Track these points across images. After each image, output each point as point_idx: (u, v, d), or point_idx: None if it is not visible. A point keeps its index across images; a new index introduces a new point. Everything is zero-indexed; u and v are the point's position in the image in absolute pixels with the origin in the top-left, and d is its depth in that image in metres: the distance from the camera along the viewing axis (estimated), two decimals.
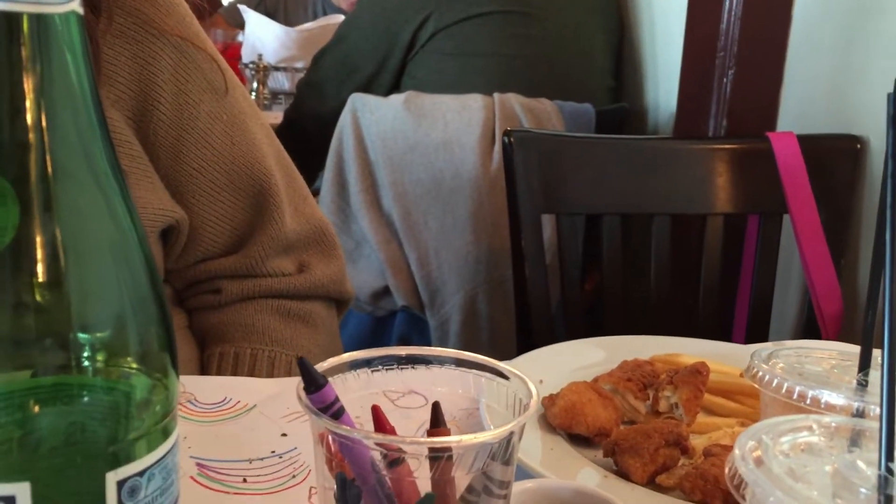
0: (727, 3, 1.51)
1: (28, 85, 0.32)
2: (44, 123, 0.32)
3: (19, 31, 0.31)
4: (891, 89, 0.40)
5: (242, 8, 2.88)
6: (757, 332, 1.35)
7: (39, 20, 0.32)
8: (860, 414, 0.47)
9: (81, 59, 0.33)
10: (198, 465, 0.63)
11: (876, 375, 0.44)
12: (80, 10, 0.33)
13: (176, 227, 0.87)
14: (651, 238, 1.33)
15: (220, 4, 3.73)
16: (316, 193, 1.81)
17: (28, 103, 0.32)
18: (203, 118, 0.86)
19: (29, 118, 0.32)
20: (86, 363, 0.35)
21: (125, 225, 0.36)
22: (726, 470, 0.39)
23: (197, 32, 0.87)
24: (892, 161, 0.38)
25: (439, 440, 0.40)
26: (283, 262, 0.94)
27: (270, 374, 0.92)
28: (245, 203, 0.91)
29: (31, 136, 0.32)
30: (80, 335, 0.35)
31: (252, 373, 0.92)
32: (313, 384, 0.41)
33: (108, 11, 0.79)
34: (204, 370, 0.94)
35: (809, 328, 1.32)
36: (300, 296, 0.96)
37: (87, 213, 0.35)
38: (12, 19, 0.31)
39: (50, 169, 0.33)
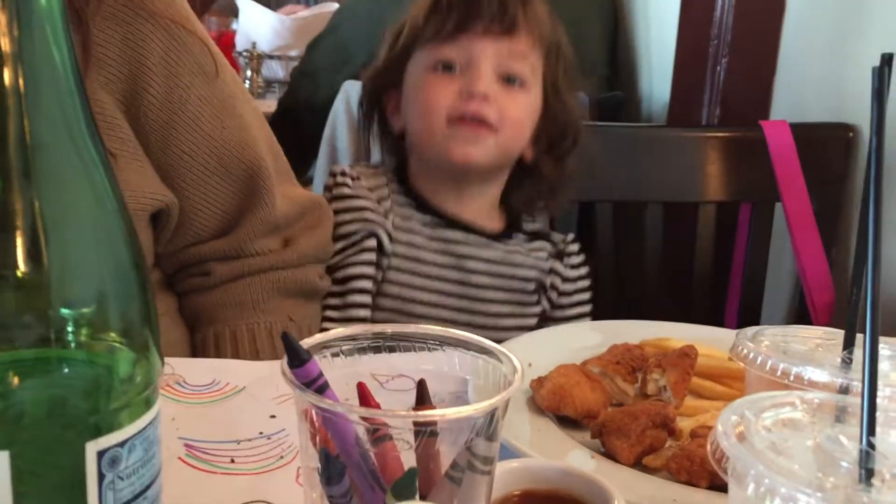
0: None
1: (6, 53, 0.32)
2: (22, 90, 0.32)
3: None
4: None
5: None
6: (748, 319, 1.35)
7: None
8: (845, 390, 0.47)
9: (61, 28, 0.33)
10: (186, 445, 0.63)
11: (860, 353, 0.44)
12: None
13: (166, 211, 0.87)
14: (644, 226, 1.33)
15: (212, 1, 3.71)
16: (309, 181, 1.81)
17: (6, 72, 0.32)
18: (193, 101, 0.86)
19: (7, 84, 0.32)
20: (67, 337, 0.35)
21: (106, 199, 0.36)
22: (708, 445, 0.39)
23: (187, 16, 0.87)
24: (875, 136, 0.38)
25: (423, 414, 0.41)
26: (269, 241, 0.94)
27: (273, 346, 0.92)
28: (235, 187, 0.90)
29: (10, 103, 0.32)
30: (62, 309, 0.35)
31: (253, 348, 0.92)
32: (297, 359, 0.41)
33: None
34: (199, 353, 0.93)
35: (801, 316, 1.33)
36: (287, 267, 0.96)
37: (68, 185, 0.35)
38: None
39: (28, 137, 0.33)
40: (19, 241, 0.34)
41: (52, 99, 0.33)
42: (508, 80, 1.01)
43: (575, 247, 1.16)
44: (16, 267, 0.34)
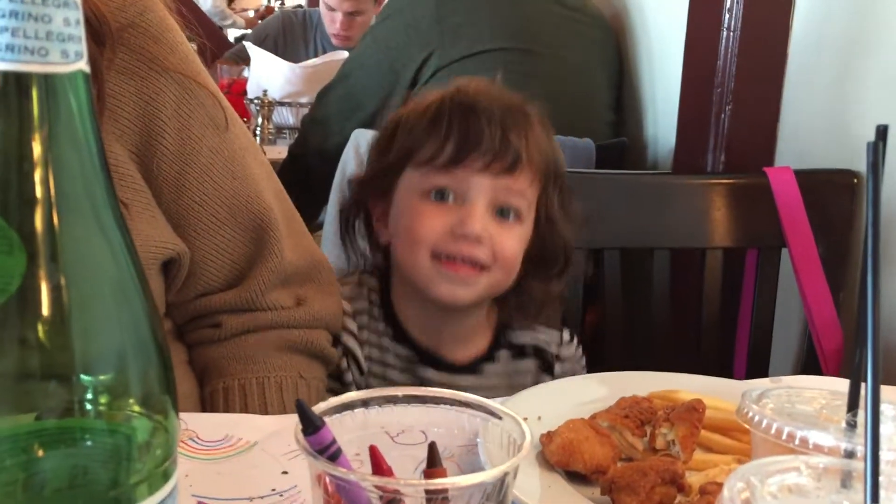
0: (723, 40, 1.53)
1: (36, 141, 0.33)
2: (50, 179, 0.34)
3: (28, 91, 0.33)
4: (886, 123, 0.41)
5: (248, 44, 2.93)
6: (757, 365, 1.35)
7: (47, 80, 0.33)
8: (850, 455, 0.48)
9: (87, 114, 0.35)
10: (199, 502, 0.64)
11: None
12: (87, 69, 0.35)
13: (177, 260, 0.88)
14: (651, 272, 1.34)
15: (228, 46, 3.78)
16: (319, 227, 1.83)
17: (35, 159, 0.34)
18: (205, 153, 0.88)
19: (36, 174, 0.34)
20: (88, 406, 0.36)
21: (126, 271, 0.38)
22: None
23: (199, 71, 0.89)
24: (871, 209, 0.39)
25: (435, 482, 0.41)
26: (282, 296, 0.95)
27: (281, 400, 0.92)
28: (245, 237, 0.92)
29: (39, 190, 0.34)
30: (84, 379, 0.36)
31: (263, 402, 0.92)
32: (310, 426, 0.42)
33: (112, 43, 0.81)
34: (208, 407, 0.94)
35: (809, 362, 1.33)
36: (300, 327, 0.96)
37: (91, 261, 0.37)
38: (21, 79, 0.33)
39: (56, 220, 0.34)
40: (43, 318, 0.35)
41: (80, 185, 0.35)
42: (503, 212, 0.96)
43: (570, 349, 1.10)
44: (40, 340, 0.35)
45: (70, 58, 0.34)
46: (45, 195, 0.34)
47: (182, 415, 0.76)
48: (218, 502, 0.64)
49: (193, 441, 0.74)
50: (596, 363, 1.15)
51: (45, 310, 0.35)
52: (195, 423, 0.77)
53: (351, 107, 1.87)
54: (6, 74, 0.32)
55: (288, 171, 1.87)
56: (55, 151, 0.34)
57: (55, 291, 0.35)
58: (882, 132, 0.42)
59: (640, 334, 1.36)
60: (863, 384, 0.45)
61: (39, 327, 0.35)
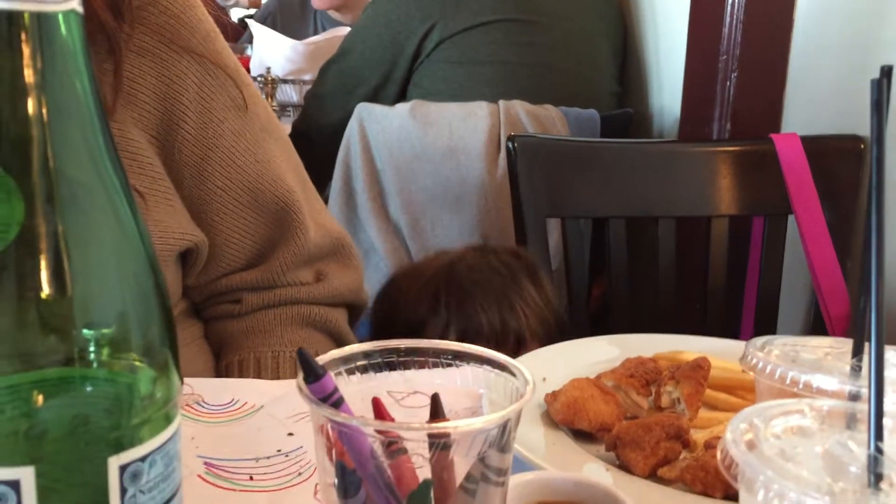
0: (729, 7, 1.52)
1: (30, 82, 0.33)
2: (45, 119, 0.33)
3: (21, 30, 0.32)
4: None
5: (251, 22, 2.91)
6: (764, 333, 1.34)
7: (40, 18, 0.33)
8: (854, 397, 0.48)
9: (82, 56, 0.34)
10: (205, 464, 0.64)
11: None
12: (80, 10, 0.34)
13: (194, 251, 0.87)
14: (657, 241, 1.33)
15: (231, 27, 3.76)
16: (324, 202, 1.83)
17: (30, 100, 0.33)
18: (228, 136, 0.86)
19: (32, 116, 0.33)
20: (89, 356, 0.36)
21: (127, 220, 0.37)
22: (718, 453, 0.39)
23: (221, 49, 0.87)
24: (875, 146, 0.39)
25: (437, 426, 0.41)
26: (302, 273, 0.94)
27: (294, 374, 0.92)
28: (267, 219, 0.90)
29: (34, 131, 0.33)
30: (84, 330, 0.36)
31: (276, 375, 0.92)
32: (312, 374, 0.42)
33: (130, 17, 0.78)
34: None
35: (816, 329, 1.32)
36: (318, 303, 0.96)
37: (90, 209, 0.36)
38: (14, 18, 0.32)
39: (52, 164, 0.34)
40: (43, 265, 0.35)
41: (75, 127, 0.34)
42: None
43: None
44: (39, 289, 0.35)
45: None
46: (40, 139, 0.34)
47: (188, 380, 0.77)
48: (224, 463, 0.65)
49: (199, 405, 0.74)
50: (601, 333, 1.15)
51: (45, 258, 0.35)
52: (201, 388, 0.77)
53: (354, 82, 1.86)
54: None
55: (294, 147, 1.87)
56: (50, 92, 0.33)
57: (54, 240, 0.35)
58: (887, 71, 0.41)
59: (646, 304, 1.36)
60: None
61: (38, 276, 0.35)
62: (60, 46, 0.34)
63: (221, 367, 0.95)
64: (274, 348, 0.92)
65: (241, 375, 0.92)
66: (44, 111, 0.33)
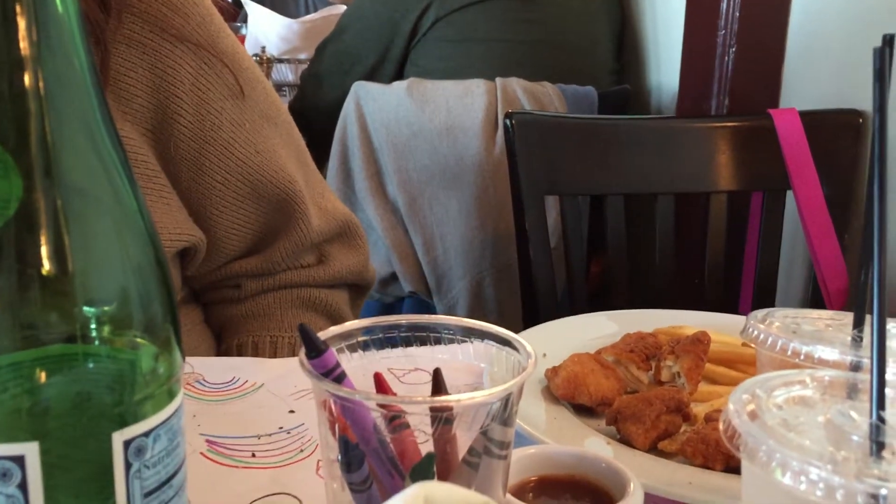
0: None
1: (26, 56, 0.33)
2: (42, 93, 0.33)
3: (15, 2, 0.32)
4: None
5: (245, 1, 2.89)
6: (763, 308, 1.35)
7: None
8: (855, 368, 0.48)
9: (77, 30, 0.34)
10: (207, 441, 0.64)
11: (870, 332, 0.45)
12: None
13: (192, 249, 0.85)
14: (655, 218, 1.33)
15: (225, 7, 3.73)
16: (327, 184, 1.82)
17: (27, 75, 0.33)
18: (226, 127, 0.82)
19: (27, 88, 0.33)
20: (91, 333, 0.36)
21: (126, 194, 0.37)
22: (720, 424, 0.39)
23: (217, 32, 0.82)
24: (878, 115, 0.39)
25: (439, 399, 0.41)
26: (304, 256, 0.93)
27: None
28: (268, 209, 0.88)
29: (30, 105, 0.33)
30: (85, 306, 0.36)
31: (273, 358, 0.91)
32: (314, 349, 0.42)
33: (118, 11, 0.74)
34: None
35: (815, 304, 1.33)
36: (320, 285, 0.95)
37: (89, 185, 0.36)
38: None
39: (50, 139, 0.34)
40: (43, 241, 0.35)
41: (72, 100, 0.34)
42: None
43: None
44: (40, 266, 0.35)
45: None
46: (37, 114, 0.34)
47: (189, 359, 0.76)
48: (226, 440, 0.65)
49: (200, 383, 0.74)
50: (601, 310, 1.15)
51: (44, 234, 0.35)
52: (202, 367, 0.77)
53: (350, 60, 1.85)
54: None
55: None
56: (46, 66, 0.33)
57: (53, 216, 0.35)
58: (889, 40, 0.41)
59: (645, 280, 1.36)
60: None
61: (38, 253, 0.35)
62: (56, 19, 0.33)
63: (221, 351, 0.94)
64: (272, 333, 0.92)
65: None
66: (40, 85, 0.33)
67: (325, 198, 0.96)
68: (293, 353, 0.91)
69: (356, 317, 1.04)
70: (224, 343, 0.94)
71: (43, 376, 0.35)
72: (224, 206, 0.85)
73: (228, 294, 0.93)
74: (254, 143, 0.85)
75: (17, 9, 0.32)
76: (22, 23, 0.32)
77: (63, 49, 0.34)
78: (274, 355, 0.91)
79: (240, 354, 0.92)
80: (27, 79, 0.33)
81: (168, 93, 0.78)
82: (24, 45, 0.32)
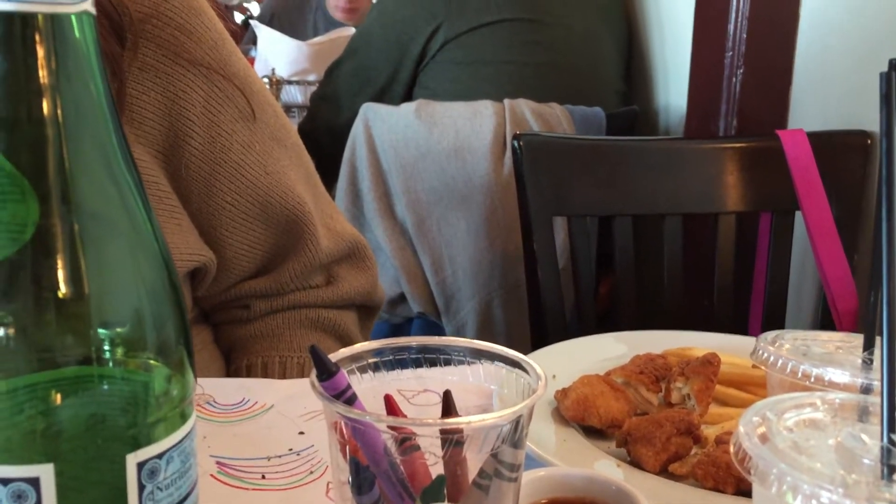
0: (734, 3, 1.52)
1: (44, 83, 0.33)
2: (59, 119, 0.34)
3: (35, 31, 0.33)
4: None
5: (254, 23, 2.92)
6: (772, 329, 1.34)
7: (54, 20, 0.33)
8: (866, 390, 0.48)
9: (94, 56, 0.35)
10: (217, 463, 0.65)
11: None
12: (93, 11, 0.35)
13: (203, 269, 0.85)
14: (664, 239, 1.33)
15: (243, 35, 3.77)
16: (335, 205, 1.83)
17: (45, 101, 0.34)
18: (236, 149, 0.83)
19: (46, 116, 0.33)
20: (106, 355, 0.36)
21: (141, 218, 0.38)
22: (731, 447, 0.39)
23: (228, 56, 0.83)
24: (885, 139, 0.39)
25: (450, 421, 0.41)
26: (313, 277, 0.94)
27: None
28: (277, 230, 0.89)
29: (48, 131, 0.34)
30: (100, 329, 0.36)
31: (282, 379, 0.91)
32: (325, 371, 0.42)
33: (135, 42, 0.75)
34: None
35: (825, 325, 1.32)
36: (329, 306, 0.95)
37: (104, 209, 0.37)
38: (28, 19, 0.33)
39: (67, 164, 0.34)
40: (58, 264, 0.35)
41: (89, 127, 0.35)
42: None
43: None
44: (55, 288, 0.35)
45: None
46: (55, 139, 0.34)
47: (200, 380, 0.77)
48: (236, 462, 0.65)
49: (211, 404, 0.74)
50: (610, 331, 1.15)
51: (60, 258, 0.35)
52: (212, 388, 0.77)
53: (360, 82, 1.86)
54: (13, 15, 0.32)
55: None
56: (64, 92, 0.34)
57: (69, 240, 0.35)
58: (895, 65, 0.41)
59: (654, 301, 1.36)
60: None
61: (54, 276, 0.35)
62: (74, 47, 0.34)
63: (231, 372, 0.95)
64: (282, 353, 0.92)
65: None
66: (58, 111, 0.34)
67: (334, 219, 0.97)
68: (302, 374, 0.91)
69: (366, 338, 1.04)
70: (233, 363, 0.94)
71: (58, 398, 0.36)
72: (234, 226, 0.86)
73: (238, 314, 0.94)
74: (263, 164, 0.86)
75: (36, 37, 0.33)
76: (41, 50, 0.33)
77: (80, 76, 0.34)
78: (283, 376, 0.91)
79: (249, 375, 0.92)
80: (46, 106, 0.33)
81: (180, 115, 0.79)
82: (42, 73, 0.33)
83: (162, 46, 0.77)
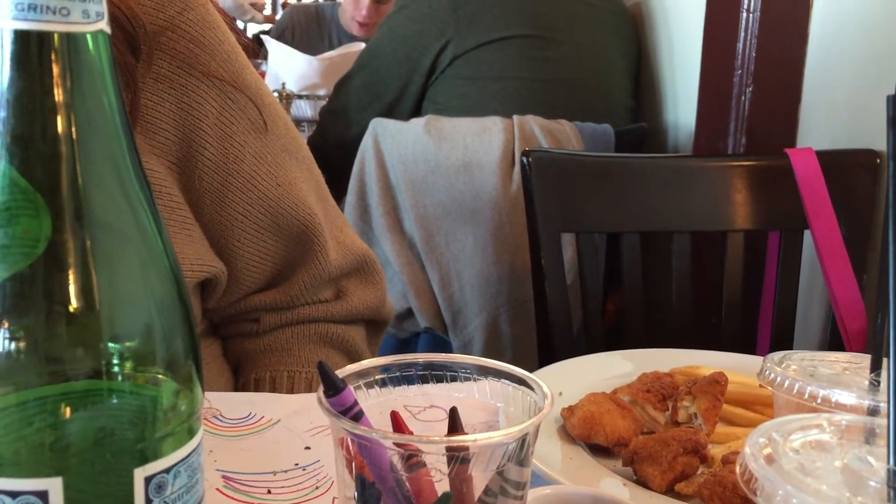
0: (743, 21, 1.52)
1: (59, 101, 0.34)
2: (74, 138, 0.34)
3: (50, 50, 0.33)
4: None
5: (265, 38, 2.94)
6: (781, 348, 1.34)
7: (69, 39, 0.33)
8: (873, 412, 0.47)
9: (109, 74, 0.35)
10: (224, 477, 0.65)
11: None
12: (108, 29, 0.35)
13: (213, 280, 0.86)
14: (672, 256, 1.33)
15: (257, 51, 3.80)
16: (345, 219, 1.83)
17: (59, 118, 0.34)
18: (248, 160, 0.84)
19: (60, 133, 0.34)
20: (115, 369, 0.37)
21: (152, 234, 0.38)
22: (737, 468, 0.39)
23: (241, 69, 0.84)
24: (892, 162, 0.39)
25: (456, 439, 0.42)
26: (323, 291, 0.94)
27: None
28: (287, 242, 0.89)
29: (62, 148, 0.34)
30: (110, 342, 0.36)
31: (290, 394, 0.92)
32: (332, 388, 0.42)
33: (149, 54, 0.76)
34: None
35: (833, 344, 1.32)
36: (337, 321, 0.96)
37: (116, 224, 0.37)
38: (44, 38, 0.33)
39: (80, 180, 0.35)
40: (70, 278, 0.36)
41: (102, 143, 0.35)
42: None
43: None
44: (66, 303, 0.36)
45: (91, 18, 0.34)
46: (69, 156, 0.35)
47: (207, 394, 0.77)
48: (242, 476, 0.65)
49: (217, 419, 0.74)
50: (617, 349, 1.15)
51: (71, 273, 0.36)
52: (219, 402, 0.77)
53: (369, 97, 1.87)
54: (29, 34, 0.33)
55: None
56: (78, 111, 0.34)
57: (81, 254, 0.36)
58: None
59: (662, 318, 1.36)
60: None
61: (65, 290, 0.36)
62: (89, 66, 0.34)
63: (239, 385, 0.95)
64: (290, 368, 0.92)
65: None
66: (72, 129, 0.34)
67: (344, 232, 0.97)
68: (310, 389, 0.92)
69: (374, 354, 1.04)
70: (242, 377, 0.95)
71: (67, 412, 0.36)
72: (245, 238, 0.87)
73: (247, 328, 0.94)
74: (275, 175, 0.87)
75: (52, 56, 0.33)
76: (56, 69, 0.33)
77: (94, 94, 0.35)
78: (291, 390, 0.92)
79: (257, 389, 0.92)
80: (60, 124, 0.34)
81: (193, 126, 0.80)
82: (57, 91, 0.33)
83: (176, 58, 0.78)
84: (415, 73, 1.81)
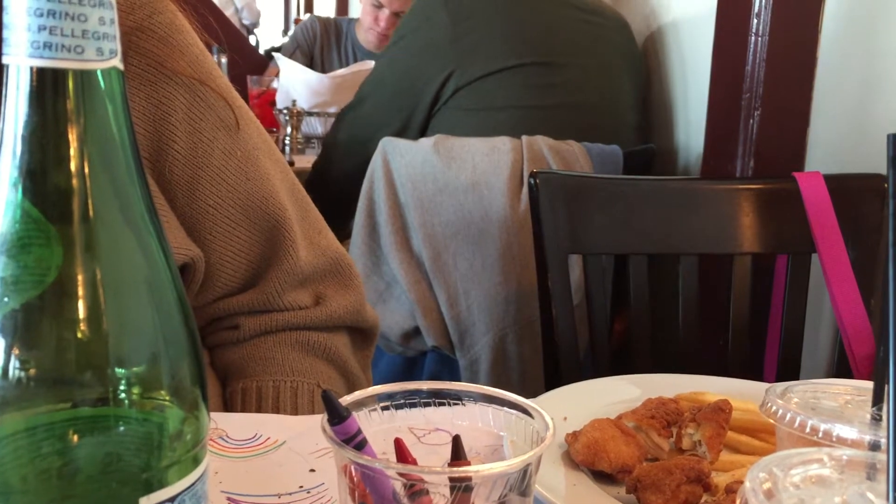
0: (752, 45, 1.53)
1: (72, 135, 0.35)
2: (86, 171, 0.35)
3: (65, 87, 0.34)
4: None
5: (277, 55, 2.96)
6: (788, 373, 1.34)
7: (84, 76, 0.34)
8: (874, 447, 0.48)
9: (121, 110, 0.36)
10: (228, 499, 0.65)
11: None
12: (121, 66, 0.36)
13: (191, 265, 0.88)
14: (679, 278, 1.33)
15: (254, 55, 3.82)
16: (348, 236, 1.84)
17: (72, 152, 0.35)
18: (217, 155, 0.88)
19: (73, 166, 0.35)
20: (122, 396, 0.37)
21: (160, 265, 0.39)
22: (737, 502, 0.40)
23: (210, 71, 0.88)
24: (892, 200, 0.39)
25: (458, 470, 0.42)
26: (300, 296, 0.95)
27: (294, 405, 0.93)
28: (260, 237, 0.92)
29: (75, 182, 0.35)
30: (118, 370, 0.37)
31: (276, 405, 0.92)
32: (336, 416, 0.43)
33: (124, 52, 0.81)
34: (229, 409, 0.95)
35: (841, 369, 1.31)
36: (318, 328, 0.97)
37: (125, 255, 0.38)
38: (59, 75, 0.34)
39: (91, 213, 0.36)
40: (79, 306, 0.36)
41: (114, 177, 0.36)
42: None
43: None
44: (75, 330, 0.36)
45: (105, 55, 0.35)
46: (81, 188, 0.35)
47: (212, 414, 0.77)
48: (247, 498, 0.65)
49: (223, 440, 0.75)
50: (623, 371, 1.15)
51: (81, 301, 0.36)
52: (225, 423, 0.78)
53: (371, 129, 1.86)
54: (44, 71, 0.34)
55: (314, 187, 1.89)
56: (91, 145, 0.35)
57: (90, 284, 0.36)
58: None
59: (668, 341, 1.36)
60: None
61: (74, 318, 0.36)
62: (101, 101, 0.35)
63: (227, 396, 0.96)
64: (275, 378, 0.93)
65: (243, 404, 0.93)
66: (84, 163, 0.35)
67: (322, 234, 0.99)
68: (296, 398, 0.93)
69: (366, 367, 1.04)
70: (228, 387, 0.96)
71: (74, 438, 0.37)
72: (217, 231, 0.89)
73: (228, 336, 0.95)
74: (245, 170, 0.90)
75: (66, 93, 0.34)
76: (70, 105, 0.34)
77: (107, 129, 0.35)
78: (277, 400, 0.93)
79: (244, 399, 0.93)
80: (73, 157, 0.35)
81: (163, 121, 0.84)
82: (71, 126, 0.34)
83: (146, 57, 0.82)
84: (418, 105, 1.81)
